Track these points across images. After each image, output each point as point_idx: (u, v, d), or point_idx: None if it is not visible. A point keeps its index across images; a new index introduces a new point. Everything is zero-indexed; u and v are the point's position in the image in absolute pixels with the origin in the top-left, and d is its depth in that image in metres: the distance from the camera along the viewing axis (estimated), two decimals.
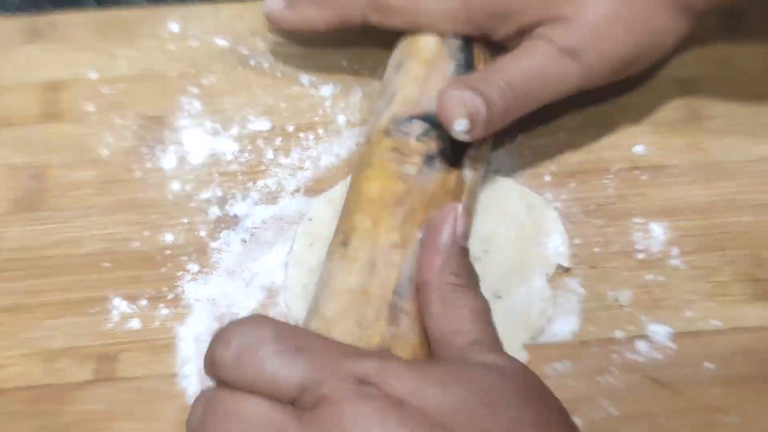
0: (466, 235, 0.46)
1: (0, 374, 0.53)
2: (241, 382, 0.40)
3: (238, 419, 0.39)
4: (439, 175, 0.52)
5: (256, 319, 0.41)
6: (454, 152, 0.53)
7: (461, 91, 0.51)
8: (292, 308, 0.55)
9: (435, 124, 0.53)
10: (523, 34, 0.56)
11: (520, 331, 0.53)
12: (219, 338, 0.41)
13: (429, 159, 0.52)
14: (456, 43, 0.57)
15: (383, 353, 0.41)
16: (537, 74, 0.54)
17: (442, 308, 0.45)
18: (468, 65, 0.57)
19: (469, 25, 0.57)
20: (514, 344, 0.53)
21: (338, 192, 0.58)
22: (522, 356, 0.53)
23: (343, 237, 0.50)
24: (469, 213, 0.47)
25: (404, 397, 0.38)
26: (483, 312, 0.45)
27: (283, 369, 0.39)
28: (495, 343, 0.45)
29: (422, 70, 0.55)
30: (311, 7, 0.60)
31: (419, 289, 0.46)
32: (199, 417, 0.40)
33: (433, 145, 0.53)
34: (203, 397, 0.41)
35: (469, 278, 0.46)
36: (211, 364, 0.41)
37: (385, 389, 0.38)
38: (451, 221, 0.46)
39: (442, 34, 0.57)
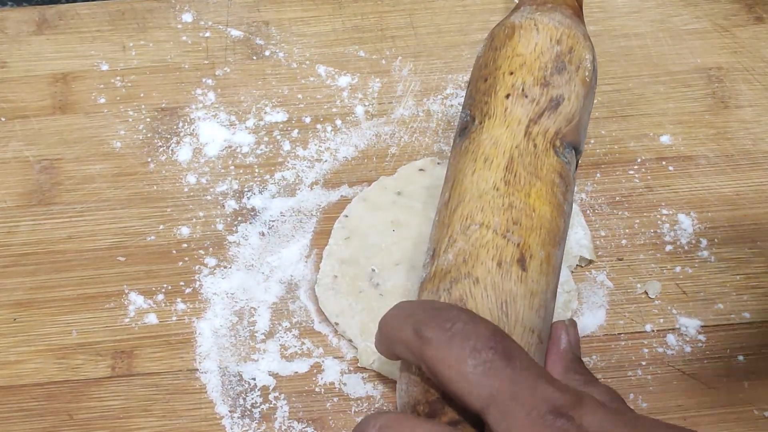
0: (577, 344, 0.47)
1: (14, 371, 0.52)
2: (440, 363, 0.39)
3: None
4: (568, 220, 0.49)
5: (473, 315, 0.41)
6: None
7: None
8: (320, 298, 0.54)
9: (577, 162, 0.50)
10: None
11: None
12: (439, 317, 0.40)
13: (571, 198, 0.49)
14: (596, 71, 0.51)
15: (574, 388, 0.40)
16: None
17: None
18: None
19: None
20: None
21: (373, 191, 0.57)
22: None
23: (519, 253, 0.45)
24: (574, 325, 0.47)
25: None
26: (615, 394, 0.44)
27: (486, 367, 0.38)
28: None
29: (582, 92, 0.49)
30: None
31: None
32: None
33: (574, 185, 0.49)
34: (380, 421, 0.40)
35: (592, 375, 0.46)
36: (418, 335, 0.40)
37: (581, 423, 0.38)
38: (564, 332, 0.46)
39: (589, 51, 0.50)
